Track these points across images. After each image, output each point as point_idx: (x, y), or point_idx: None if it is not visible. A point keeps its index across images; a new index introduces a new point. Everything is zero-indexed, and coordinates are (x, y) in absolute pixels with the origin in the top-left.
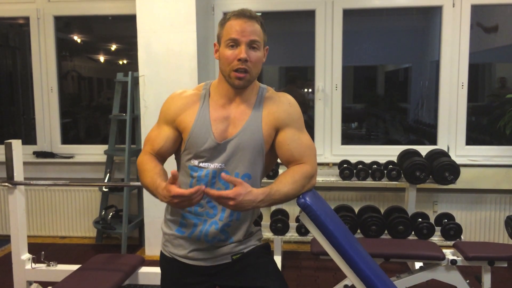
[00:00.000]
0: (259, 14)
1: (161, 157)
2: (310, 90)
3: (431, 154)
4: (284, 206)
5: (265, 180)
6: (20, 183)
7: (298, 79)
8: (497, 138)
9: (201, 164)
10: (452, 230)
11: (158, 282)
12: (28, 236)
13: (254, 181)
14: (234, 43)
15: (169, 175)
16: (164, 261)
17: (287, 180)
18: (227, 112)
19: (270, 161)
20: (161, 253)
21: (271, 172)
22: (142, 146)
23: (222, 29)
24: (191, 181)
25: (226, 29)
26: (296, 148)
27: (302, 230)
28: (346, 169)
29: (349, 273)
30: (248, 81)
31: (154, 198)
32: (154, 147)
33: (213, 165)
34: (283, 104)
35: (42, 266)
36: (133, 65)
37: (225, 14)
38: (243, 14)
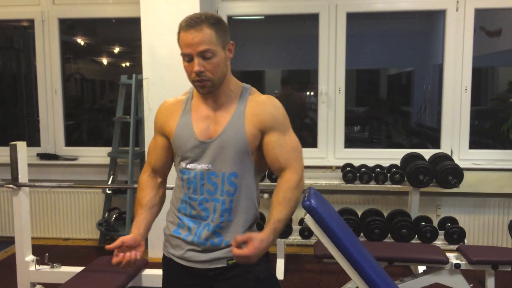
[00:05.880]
0: (261, 17)
1: (159, 174)
2: (312, 93)
3: (434, 157)
4: None
5: (269, 183)
6: (24, 185)
7: (291, 82)
8: (500, 142)
9: (188, 166)
10: (455, 234)
11: (161, 284)
12: (32, 238)
13: (241, 180)
14: (188, 58)
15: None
16: (164, 262)
17: (281, 203)
18: (208, 112)
19: (262, 160)
20: (163, 254)
21: (274, 176)
22: (145, 149)
23: (178, 41)
24: (182, 184)
25: (179, 43)
26: (281, 152)
27: (305, 233)
28: (350, 172)
29: (354, 276)
30: (212, 87)
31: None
32: (151, 162)
33: (200, 166)
34: (268, 107)
35: (46, 267)
36: (136, 67)
37: (179, 25)
38: (189, 25)
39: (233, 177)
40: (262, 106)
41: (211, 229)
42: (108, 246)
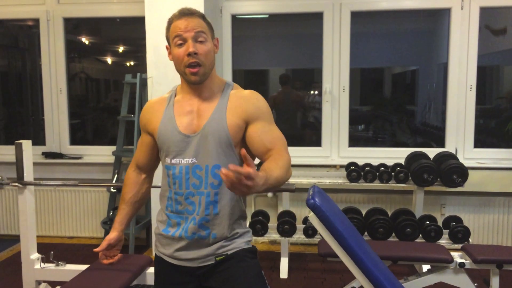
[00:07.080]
0: (265, 15)
1: (143, 170)
2: (316, 92)
3: (439, 156)
4: (291, 208)
5: None
6: (30, 183)
7: (291, 80)
8: (505, 141)
9: (173, 161)
10: (460, 233)
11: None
12: (37, 236)
13: None
14: (182, 41)
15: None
16: (156, 261)
17: (273, 165)
18: (191, 107)
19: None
20: (154, 253)
21: None
22: None
23: (169, 32)
24: (168, 180)
25: (171, 30)
26: (267, 138)
27: (309, 232)
28: (354, 171)
29: (359, 274)
30: (204, 75)
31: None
32: (136, 158)
33: (184, 161)
34: (251, 99)
35: (51, 266)
36: (140, 66)
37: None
38: (183, 13)
39: (216, 169)
40: (246, 99)
41: (197, 223)
42: (96, 249)
